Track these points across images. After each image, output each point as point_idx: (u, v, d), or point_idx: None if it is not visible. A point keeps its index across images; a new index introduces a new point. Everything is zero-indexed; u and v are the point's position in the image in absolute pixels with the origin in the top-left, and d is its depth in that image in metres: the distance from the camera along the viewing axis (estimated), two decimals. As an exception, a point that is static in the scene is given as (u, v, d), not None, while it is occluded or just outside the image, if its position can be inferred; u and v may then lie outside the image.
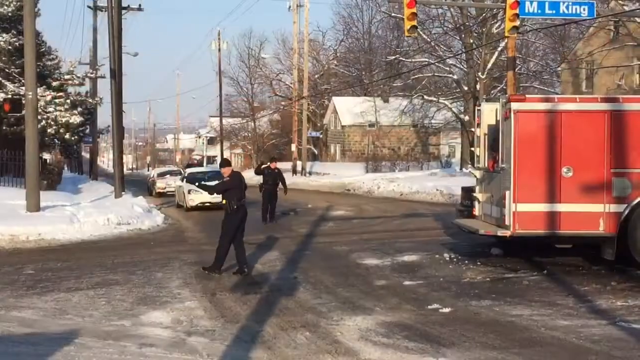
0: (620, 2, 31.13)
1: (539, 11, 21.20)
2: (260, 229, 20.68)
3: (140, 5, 37.45)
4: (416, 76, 49.37)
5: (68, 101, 35.42)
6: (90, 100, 41.03)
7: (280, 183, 22.92)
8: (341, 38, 71.68)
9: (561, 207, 12.61)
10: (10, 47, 31.93)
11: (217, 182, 25.90)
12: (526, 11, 20.80)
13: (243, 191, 13.38)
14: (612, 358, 7.57)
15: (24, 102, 21.98)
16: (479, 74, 40.84)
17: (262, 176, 23.01)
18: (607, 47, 35.60)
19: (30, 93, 21.27)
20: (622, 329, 8.75)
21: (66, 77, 37.01)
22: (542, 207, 12.67)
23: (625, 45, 36.86)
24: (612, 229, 12.54)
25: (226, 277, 12.84)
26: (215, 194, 14.82)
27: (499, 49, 40.32)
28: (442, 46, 44.62)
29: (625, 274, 12.43)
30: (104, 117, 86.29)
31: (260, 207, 22.55)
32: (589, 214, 12.57)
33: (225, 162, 14.22)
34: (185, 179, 30.71)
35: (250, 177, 24.67)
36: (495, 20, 39.49)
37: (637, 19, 32.48)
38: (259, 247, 16.73)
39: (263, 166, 23.85)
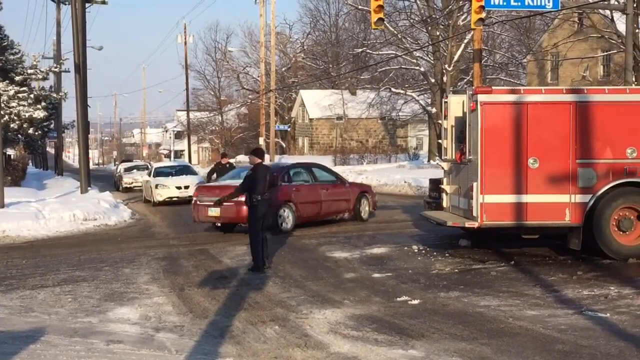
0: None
1: (505, 3, 21.35)
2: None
3: (104, -2, 36.92)
4: (383, 69, 49.52)
5: (32, 96, 34.98)
6: (55, 95, 40.50)
7: None
8: (308, 31, 71.70)
9: (528, 198, 12.70)
10: (-29, 42, 31.42)
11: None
12: (492, 3, 20.93)
13: (267, 185, 12.80)
14: (578, 347, 7.64)
15: (-14, 97, 21.62)
16: (446, 66, 41.02)
17: (215, 173, 22.95)
18: (571, 39, 35.94)
19: (-7, 88, 20.96)
20: (589, 318, 8.85)
21: (29, 71, 36.49)
22: (509, 199, 12.75)
23: (589, 37, 37.23)
24: (578, 219, 12.67)
25: (194, 272, 12.77)
26: (242, 195, 13.40)
27: (465, 41, 40.54)
28: (408, 39, 44.74)
29: (591, 263, 12.57)
30: (69, 111, 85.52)
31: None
32: (556, 204, 12.68)
33: (254, 152, 13.36)
34: (152, 174, 30.52)
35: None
36: (461, 13, 39.69)
37: (600, 10, 32.82)
38: (227, 242, 16.67)
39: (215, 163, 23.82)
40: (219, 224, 18.72)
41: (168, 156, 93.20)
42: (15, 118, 33.46)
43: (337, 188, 19.80)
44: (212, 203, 16.87)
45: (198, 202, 18.34)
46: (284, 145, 70.09)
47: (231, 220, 17.91)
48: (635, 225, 12.82)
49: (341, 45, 65.89)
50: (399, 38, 43.85)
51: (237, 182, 17.55)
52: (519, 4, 21.25)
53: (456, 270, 12.31)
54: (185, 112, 69.39)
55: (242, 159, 62.28)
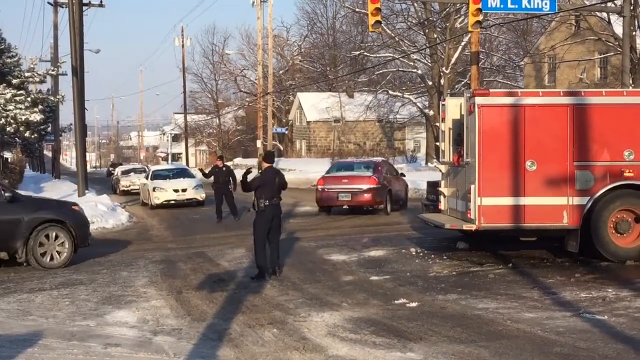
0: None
1: (502, 6, 21.36)
2: (223, 227, 20.65)
3: (101, 1, 36.94)
4: (381, 71, 49.55)
5: (29, 99, 34.83)
6: (52, 98, 40.35)
7: (231, 180, 22.69)
8: (305, 34, 71.65)
9: (526, 201, 12.70)
10: (-32, 45, 31.35)
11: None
12: (489, 6, 20.96)
13: (276, 189, 12.38)
14: (576, 349, 7.64)
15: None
16: (443, 68, 41.07)
17: (213, 175, 22.92)
18: (568, 41, 36.01)
19: (-10, 91, 20.92)
20: (586, 320, 8.85)
21: (27, 74, 36.36)
22: (507, 201, 12.76)
23: (586, 39, 37.28)
24: (576, 222, 12.67)
25: (192, 275, 12.75)
26: (249, 191, 12.71)
27: (463, 43, 40.58)
28: (406, 41, 44.80)
29: (588, 265, 12.58)
30: (66, 114, 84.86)
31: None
32: (553, 207, 12.68)
33: (265, 156, 13.12)
34: (150, 177, 30.49)
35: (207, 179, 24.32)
36: (458, 15, 39.75)
37: (597, 13, 32.87)
38: (225, 245, 16.66)
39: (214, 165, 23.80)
40: (347, 207, 22.43)
41: (165, 159, 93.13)
42: (12, 121, 33.35)
43: (399, 179, 24.03)
44: (341, 190, 21.68)
45: (326, 189, 22.18)
46: (282, 148, 70.07)
47: (361, 204, 21.80)
48: (632, 227, 12.82)
49: (338, 48, 65.87)
50: (396, 41, 43.90)
51: (359, 173, 22.57)
52: (516, 6, 21.28)
53: (454, 273, 12.31)
54: (183, 115, 69.45)
55: (240, 161, 62.32)
